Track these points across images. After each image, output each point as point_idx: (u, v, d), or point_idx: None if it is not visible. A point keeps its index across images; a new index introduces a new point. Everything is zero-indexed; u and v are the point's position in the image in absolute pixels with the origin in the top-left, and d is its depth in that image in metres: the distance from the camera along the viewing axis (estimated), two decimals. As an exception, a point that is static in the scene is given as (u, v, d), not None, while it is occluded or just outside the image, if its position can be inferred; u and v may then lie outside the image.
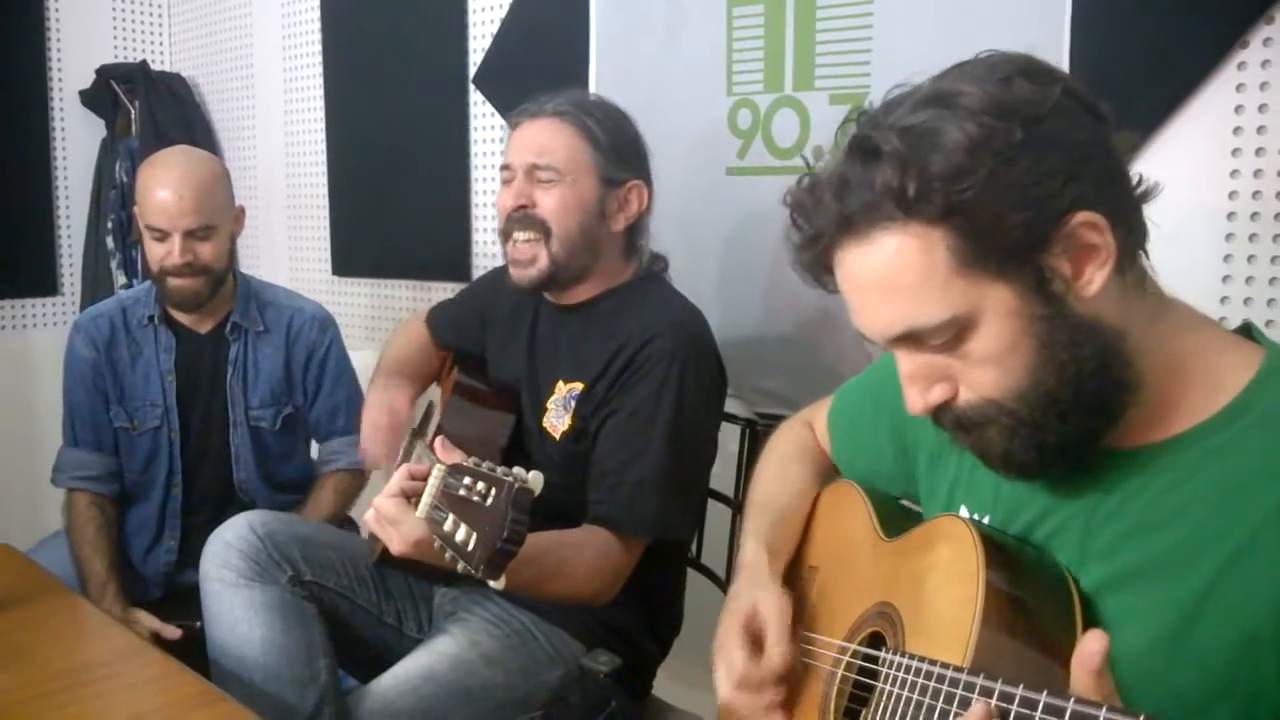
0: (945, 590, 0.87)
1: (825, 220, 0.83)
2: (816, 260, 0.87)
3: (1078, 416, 0.81)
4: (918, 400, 0.84)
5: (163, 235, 1.86)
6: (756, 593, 1.05)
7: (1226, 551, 0.77)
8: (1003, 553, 0.85)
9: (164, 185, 1.85)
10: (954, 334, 0.80)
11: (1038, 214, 0.77)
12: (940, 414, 0.85)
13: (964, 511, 0.97)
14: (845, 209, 0.81)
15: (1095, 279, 0.79)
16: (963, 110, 0.77)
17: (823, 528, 1.16)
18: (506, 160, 1.52)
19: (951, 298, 0.79)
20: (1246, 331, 0.87)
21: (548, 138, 1.48)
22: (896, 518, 1.05)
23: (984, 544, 0.84)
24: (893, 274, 0.80)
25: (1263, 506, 0.76)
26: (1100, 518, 0.85)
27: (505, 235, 1.52)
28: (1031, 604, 0.82)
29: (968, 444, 0.86)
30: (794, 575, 1.12)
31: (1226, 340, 0.86)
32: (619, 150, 1.51)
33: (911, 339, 0.82)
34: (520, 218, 1.49)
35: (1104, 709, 0.64)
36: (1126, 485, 0.83)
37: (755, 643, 1.00)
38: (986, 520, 0.95)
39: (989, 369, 0.81)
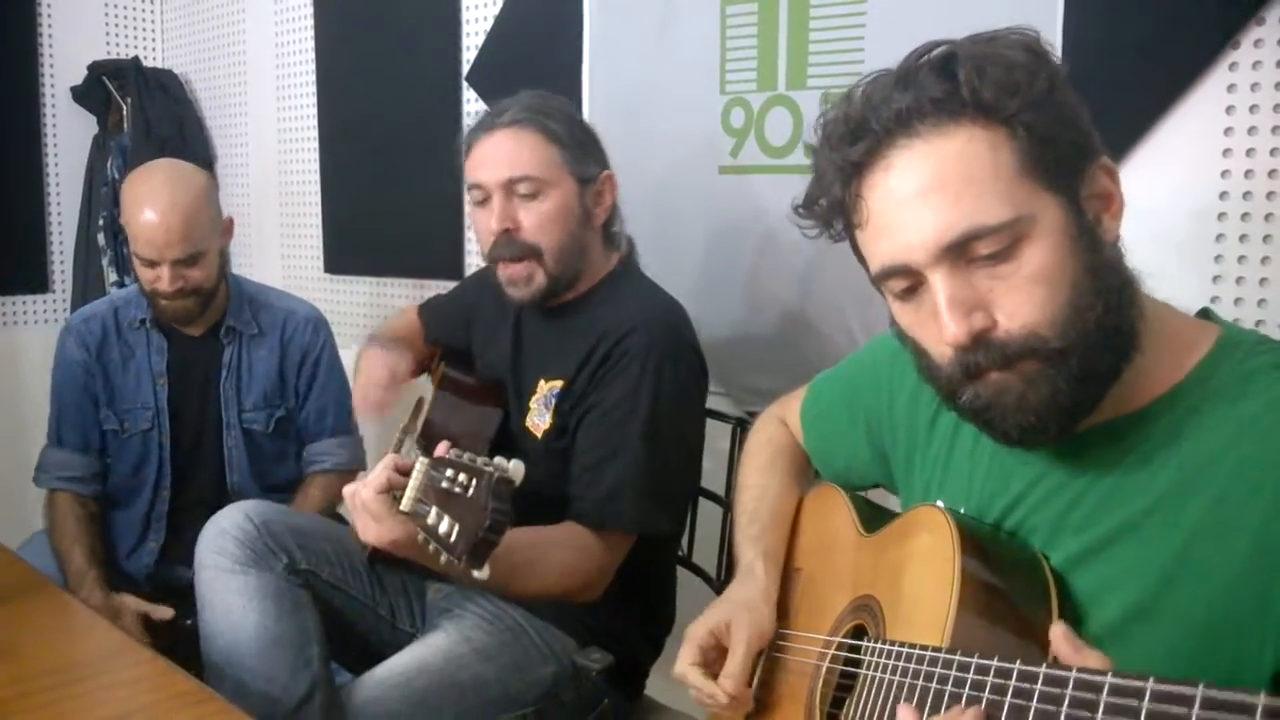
0: (922, 578, 0.88)
1: (884, 114, 0.81)
2: (845, 175, 0.84)
3: (1102, 355, 0.80)
4: (961, 324, 0.79)
5: (152, 263, 1.84)
6: (741, 612, 1.06)
7: (1196, 516, 0.78)
8: (977, 538, 0.87)
9: (150, 213, 1.81)
10: (1011, 240, 0.78)
11: (1082, 139, 0.82)
12: (977, 345, 0.80)
13: (940, 504, 0.98)
14: (912, 102, 0.80)
15: (1111, 228, 0.82)
16: (1010, 41, 0.82)
17: (806, 529, 1.17)
18: (475, 180, 1.46)
19: (1014, 198, 0.78)
20: (1205, 315, 0.89)
21: (515, 148, 1.44)
22: (876, 514, 1.06)
23: (959, 530, 0.85)
24: (962, 167, 0.79)
25: (1227, 470, 0.78)
26: (1072, 495, 0.86)
27: (494, 260, 1.48)
28: (1006, 586, 0.84)
29: (987, 398, 0.82)
30: (780, 577, 1.13)
31: (1186, 317, 0.88)
32: (583, 144, 1.48)
33: (963, 248, 0.79)
34: (506, 243, 1.45)
35: (1073, 671, 0.67)
36: (1097, 461, 0.85)
37: (717, 651, 1.04)
38: (962, 511, 0.95)
39: (1036, 289, 0.79)
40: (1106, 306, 0.79)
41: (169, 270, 1.83)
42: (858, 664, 0.91)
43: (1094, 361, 0.79)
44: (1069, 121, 0.81)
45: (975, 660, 0.74)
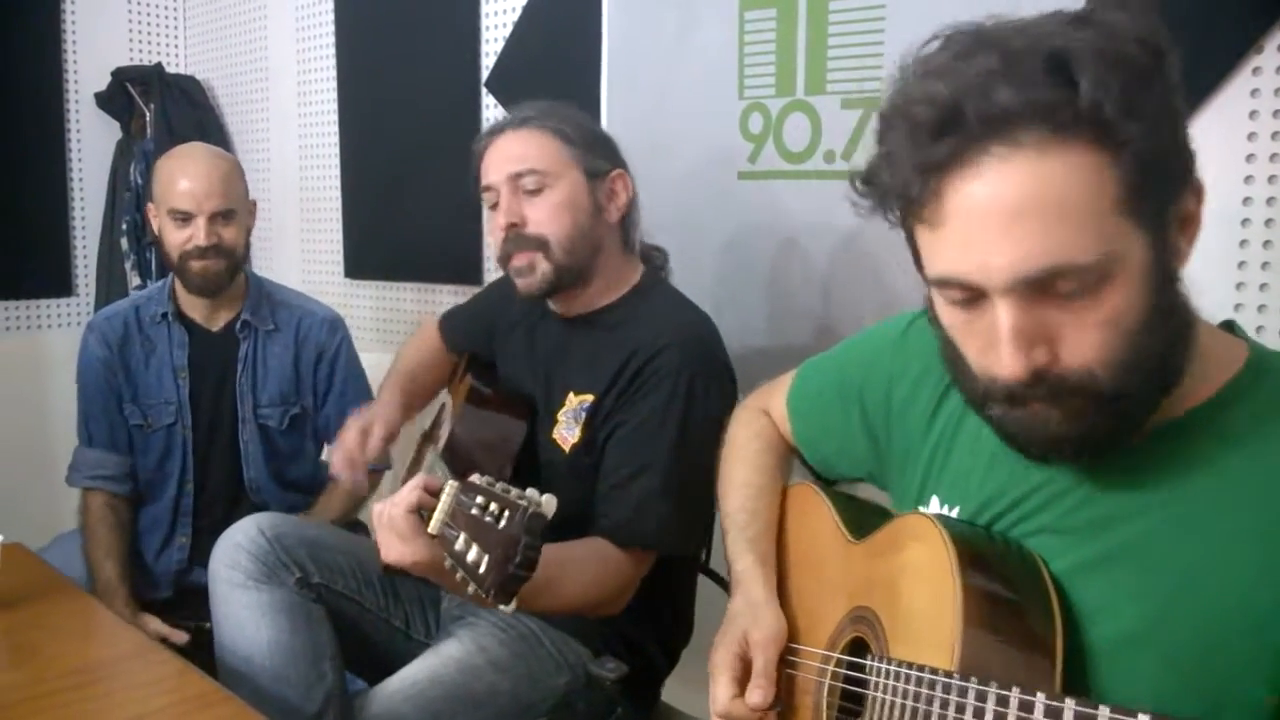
0: (922, 592, 0.86)
1: (982, 109, 0.71)
2: (924, 170, 0.74)
3: (1150, 396, 0.76)
4: (1021, 360, 0.73)
5: (186, 218, 1.90)
6: (751, 620, 1.03)
7: (1202, 545, 0.76)
8: (973, 547, 0.84)
9: (188, 171, 1.91)
10: (1095, 280, 0.72)
11: (1184, 160, 0.74)
12: (1033, 379, 0.75)
13: (934, 503, 0.95)
14: (1018, 104, 0.69)
15: (1185, 252, 0.77)
16: (1126, 31, 0.71)
17: (789, 533, 1.14)
18: (486, 182, 1.49)
19: (1107, 234, 0.71)
20: (1229, 328, 0.86)
21: (520, 145, 1.47)
22: (861, 518, 1.03)
23: (954, 541, 0.84)
24: (1061, 193, 0.70)
25: (1240, 506, 0.76)
26: (1077, 502, 0.84)
27: (504, 259, 1.49)
28: (1009, 597, 0.82)
29: (1020, 420, 0.78)
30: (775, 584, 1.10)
31: (1214, 333, 0.84)
32: (592, 143, 1.50)
33: (1044, 284, 0.72)
34: (514, 238, 1.46)
35: (1101, 709, 0.65)
36: (1107, 471, 0.82)
37: (746, 671, 1.00)
38: (956, 511, 0.93)
39: (1105, 331, 0.73)
40: (1166, 346, 0.75)
41: (204, 224, 1.89)
42: (862, 682, 0.89)
43: (1141, 405, 0.77)
44: (1176, 139, 0.74)
45: (993, 690, 0.72)
